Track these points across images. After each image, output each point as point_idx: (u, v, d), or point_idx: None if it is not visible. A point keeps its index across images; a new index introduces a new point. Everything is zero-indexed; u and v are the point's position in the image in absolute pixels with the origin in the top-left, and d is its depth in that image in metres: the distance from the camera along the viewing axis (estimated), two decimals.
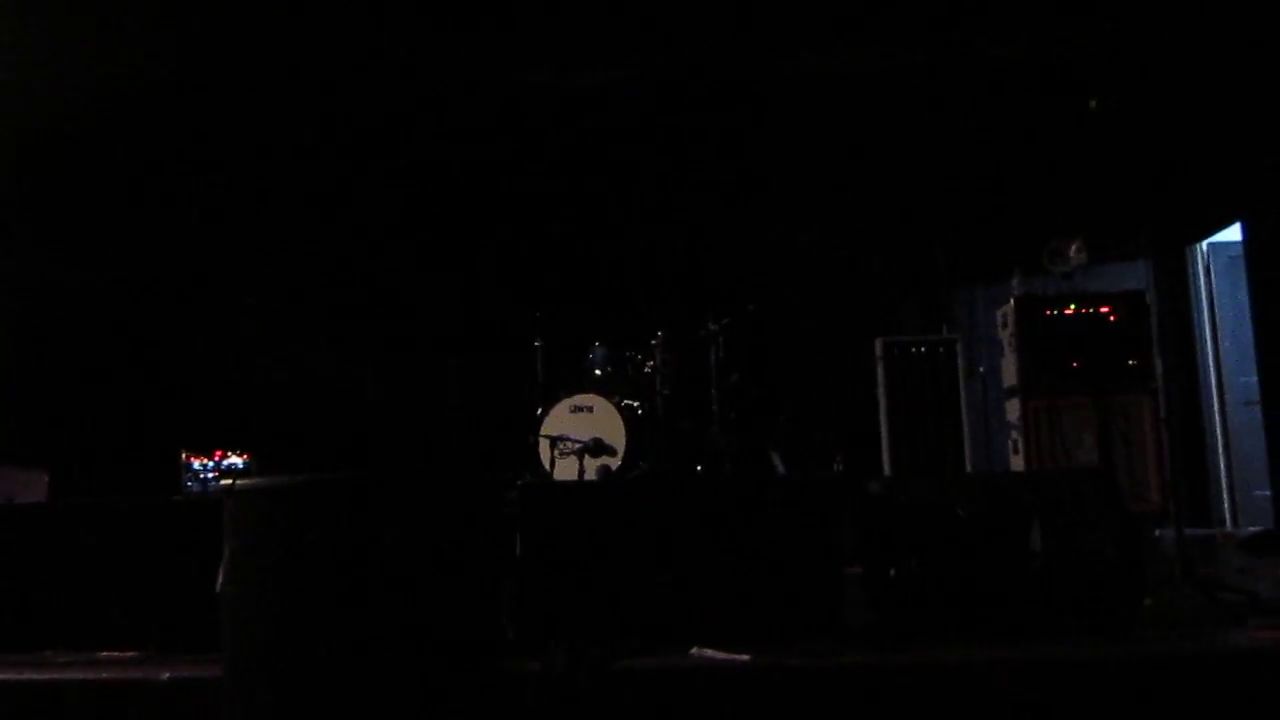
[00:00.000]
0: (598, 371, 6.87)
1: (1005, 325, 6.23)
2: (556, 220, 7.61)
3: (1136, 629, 3.17)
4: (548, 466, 6.32)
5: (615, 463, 6.30)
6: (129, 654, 3.12)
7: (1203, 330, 7.21)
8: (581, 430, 6.38)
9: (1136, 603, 3.28)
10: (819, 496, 3.34)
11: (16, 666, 2.96)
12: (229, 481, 2.33)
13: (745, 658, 2.76)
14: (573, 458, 6.27)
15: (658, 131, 7.53)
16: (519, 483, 3.37)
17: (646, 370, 6.80)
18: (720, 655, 2.81)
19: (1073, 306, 5.93)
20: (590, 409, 6.47)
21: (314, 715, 2.26)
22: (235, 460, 6.44)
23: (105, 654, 3.13)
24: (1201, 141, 6.36)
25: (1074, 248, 5.91)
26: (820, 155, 7.43)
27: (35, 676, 2.84)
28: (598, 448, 6.31)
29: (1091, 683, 2.75)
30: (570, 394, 6.55)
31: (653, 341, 6.79)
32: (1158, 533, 4.99)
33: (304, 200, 7.24)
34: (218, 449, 6.44)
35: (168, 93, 6.37)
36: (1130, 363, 5.83)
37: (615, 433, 6.40)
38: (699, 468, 6.71)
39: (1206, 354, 7.18)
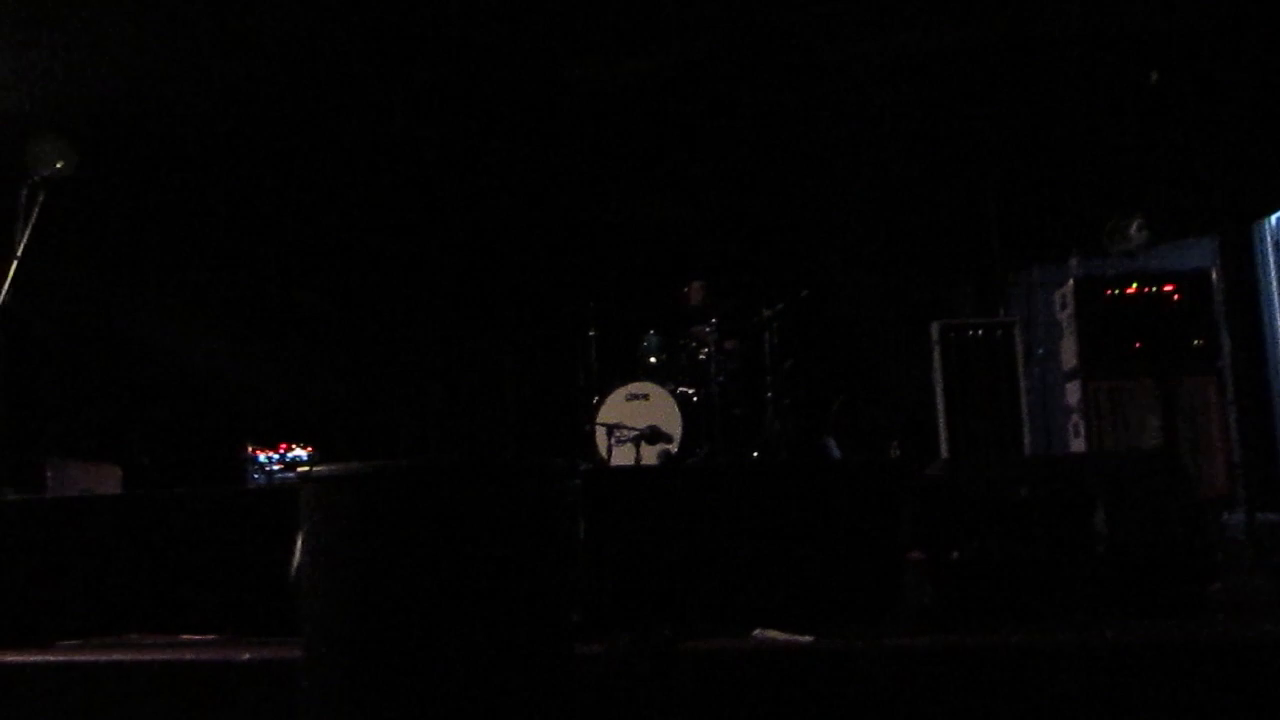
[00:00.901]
0: (652, 359, 6.90)
1: (1064, 307, 6.15)
2: (608, 210, 7.65)
3: (1204, 613, 3.14)
4: (604, 455, 6.37)
5: (672, 450, 6.34)
6: (209, 637, 3.23)
7: (1271, 308, 7.03)
8: (637, 418, 6.42)
9: (1203, 587, 3.24)
10: (877, 480, 3.35)
11: (103, 649, 3.07)
12: (305, 468, 2.40)
13: (808, 639, 2.78)
14: (629, 445, 6.31)
15: (710, 119, 7.53)
16: (582, 469, 3.42)
17: (701, 357, 6.81)
18: (783, 637, 2.83)
19: (1134, 286, 5.84)
20: (645, 397, 6.51)
21: (388, 694, 2.32)
22: (299, 453, 6.57)
23: (186, 637, 3.23)
24: (1268, 111, 6.21)
25: (1135, 226, 5.82)
26: (874, 137, 7.38)
27: (121, 658, 2.95)
28: (654, 435, 6.35)
29: (1157, 666, 2.73)
30: (625, 382, 6.59)
31: (706, 329, 6.80)
32: (1226, 517, 4.91)
33: (358, 195, 7.35)
34: (282, 442, 6.58)
35: (212, 86, 6.48)
36: (1195, 343, 5.73)
37: (671, 420, 6.43)
38: (755, 454, 6.72)
39: (1275, 332, 7.01)
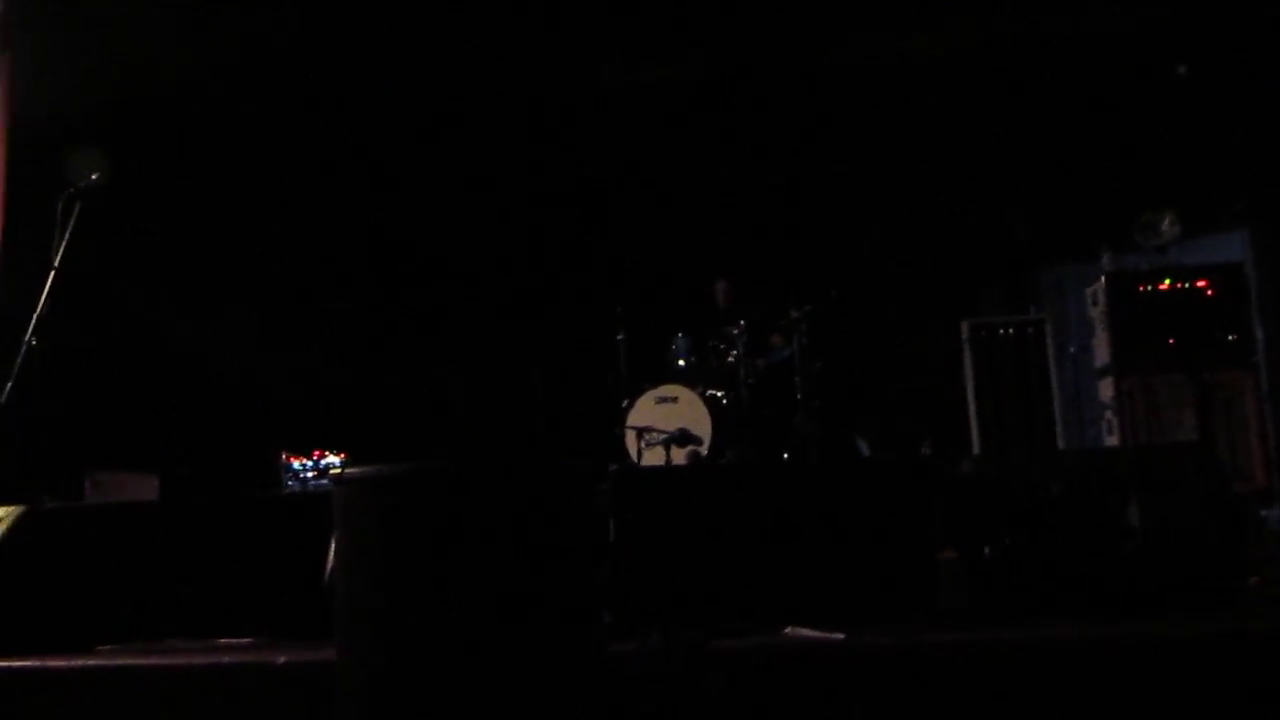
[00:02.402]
0: (681, 362, 6.90)
1: (1096, 303, 6.10)
2: (635, 213, 7.66)
3: (1241, 608, 3.11)
4: (634, 458, 6.38)
5: (702, 452, 6.34)
6: (246, 640, 3.26)
7: None
8: (667, 421, 6.42)
9: (1238, 580, 3.21)
10: (908, 478, 3.34)
11: (142, 653, 3.12)
12: (337, 471, 2.42)
13: (840, 636, 2.77)
14: (659, 448, 6.32)
15: (736, 121, 7.53)
16: (611, 471, 3.43)
17: (730, 360, 6.81)
18: (814, 634, 2.82)
19: (1166, 281, 5.79)
20: (675, 400, 6.52)
21: (421, 694, 2.34)
22: (333, 459, 6.62)
23: (223, 641, 3.27)
24: None
25: (1166, 221, 5.77)
26: (902, 136, 7.35)
27: (159, 662, 2.99)
28: (684, 438, 6.35)
29: (1194, 661, 2.70)
30: (654, 385, 6.60)
31: (734, 330, 6.79)
32: (1264, 512, 4.85)
33: (387, 201, 7.41)
34: (316, 449, 6.63)
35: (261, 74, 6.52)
36: (1229, 337, 5.68)
37: (700, 423, 6.43)
38: (785, 455, 6.70)
39: None
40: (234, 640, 3.27)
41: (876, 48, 7.25)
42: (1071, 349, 6.61)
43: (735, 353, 6.77)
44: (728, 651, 2.75)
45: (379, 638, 2.35)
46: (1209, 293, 5.74)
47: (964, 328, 6.64)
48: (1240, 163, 5.81)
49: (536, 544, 2.42)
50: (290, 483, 6.52)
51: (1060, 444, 6.44)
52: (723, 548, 3.21)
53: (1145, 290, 5.82)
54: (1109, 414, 5.97)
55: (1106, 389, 6.01)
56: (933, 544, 3.31)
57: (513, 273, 7.72)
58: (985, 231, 7.59)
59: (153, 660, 3.00)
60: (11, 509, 3.46)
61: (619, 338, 7.01)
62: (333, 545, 2.48)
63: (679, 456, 6.30)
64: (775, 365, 6.82)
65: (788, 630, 2.89)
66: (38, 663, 3.02)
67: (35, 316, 4.22)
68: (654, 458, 6.30)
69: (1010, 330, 6.60)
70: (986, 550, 3.16)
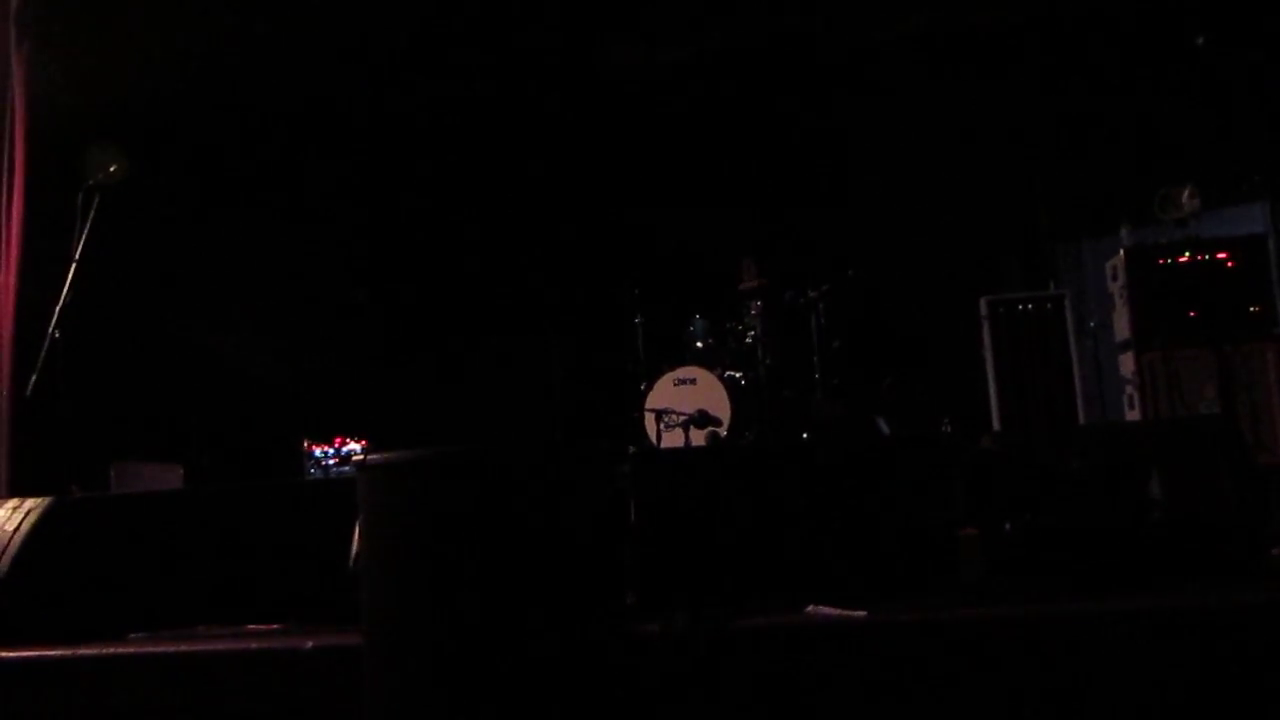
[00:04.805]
0: (699, 344, 6.91)
1: (1115, 278, 6.07)
2: (650, 196, 7.66)
3: (1263, 579, 3.09)
4: (654, 440, 6.40)
5: (721, 433, 6.35)
6: (273, 627, 3.29)
7: None
8: (686, 403, 6.44)
9: (1261, 553, 3.19)
10: (928, 455, 3.34)
11: (171, 641, 3.15)
12: (360, 459, 2.45)
13: (861, 614, 2.78)
14: (678, 430, 6.34)
15: (750, 102, 7.50)
16: (630, 453, 3.44)
17: (748, 340, 6.81)
18: (836, 612, 2.83)
19: (1187, 254, 5.75)
20: (693, 381, 6.53)
21: (447, 677, 2.37)
22: (354, 446, 6.67)
23: (252, 627, 3.30)
24: None
25: (1186, 194, 5.73)
26: (917, 113, 7.31)
27: (189, 649, 3.03)
28: (703, 419, 6.37)
29: (1216, 633, 2.69)
30: (672, 367, 6.61)
31: (752, 311, 6.79)
32: None
33: (403, 188, 7.42)
34: (337, 436, 6.68)
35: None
36: (1251, 309, 5.64)
37: (719, 404, 6.45)
38: (804, 435, 6.71)
39: None
40: (262, 627, 3.30)
41: (893, 23, 7.20)
42: (1091, 324, 6.58)
43: (753, 333, 6.76)
44: (750, 631, 2.76)
45: (404, 622, 2.38)
46: (1230, 265, 5.71)
47: (983, 304, 6.62)
48: (1260, 133, 5.74)
49: (559, 527, 2.44)
50: (312, 470, 6.58)
51: (1081, 419, 6.42)
52: (743, 528, 3.21)
53: (1165, 263, 5.79)
54: (1130, 388, 5.95)
55: (1127, 363, 5.98)
56: (953, 521, 3.31)
57: (531, 258, 7.73)
58: (1003, 207, 7.54)
59: (182, 647, 3.03)
60: (39, 500, 3.51)
61: (637, 320, 7.02)
62: (357, 531, 2.50)
63: (698, 438, 6.32)
64: (784, 336, 6.80)
65: (809, 608, 2.90)
66: (68, 651, 3.06)
67: (58, 309, 4.27)
68: (673, 439, 6.33)
69: (1029, 306, 6.58)
70: (1007, 526, 3.16)
